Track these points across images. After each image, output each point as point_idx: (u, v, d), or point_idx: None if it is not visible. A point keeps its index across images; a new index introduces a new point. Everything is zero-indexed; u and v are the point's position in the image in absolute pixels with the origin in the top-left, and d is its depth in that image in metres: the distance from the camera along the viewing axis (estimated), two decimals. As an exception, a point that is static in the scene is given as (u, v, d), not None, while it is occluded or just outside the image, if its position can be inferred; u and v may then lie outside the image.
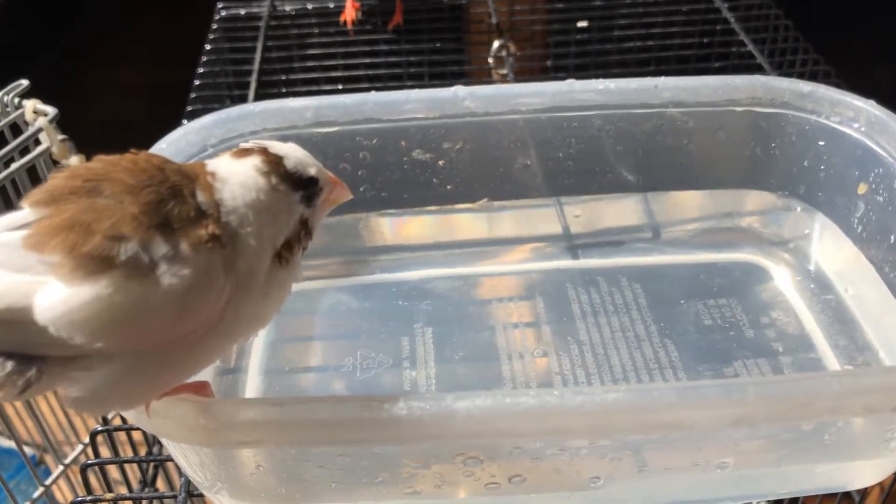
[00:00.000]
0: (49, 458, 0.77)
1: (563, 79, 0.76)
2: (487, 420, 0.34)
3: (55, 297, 0.31)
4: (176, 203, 0.33)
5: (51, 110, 0.59)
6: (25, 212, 0.33)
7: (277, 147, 0.37)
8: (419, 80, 0.78)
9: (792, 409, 0.35)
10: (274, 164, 0.36)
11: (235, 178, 0.35)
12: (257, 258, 0.35)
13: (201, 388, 0.38)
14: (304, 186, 0.37)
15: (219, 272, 0.33)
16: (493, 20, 0.78)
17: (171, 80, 0.77)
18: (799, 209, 0.55)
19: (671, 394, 0.35)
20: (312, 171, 0.37)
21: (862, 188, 0.51)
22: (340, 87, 0.75)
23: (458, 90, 0.54)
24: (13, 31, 1.44)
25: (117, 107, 1.46)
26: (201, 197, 0.34)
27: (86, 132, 0.64)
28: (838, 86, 0.71)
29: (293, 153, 0.37)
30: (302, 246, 0.38)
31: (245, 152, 0.36)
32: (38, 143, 0.59)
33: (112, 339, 0.32)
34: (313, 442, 0.35)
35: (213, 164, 0.36)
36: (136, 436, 0.55)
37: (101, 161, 0.35)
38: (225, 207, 0.34)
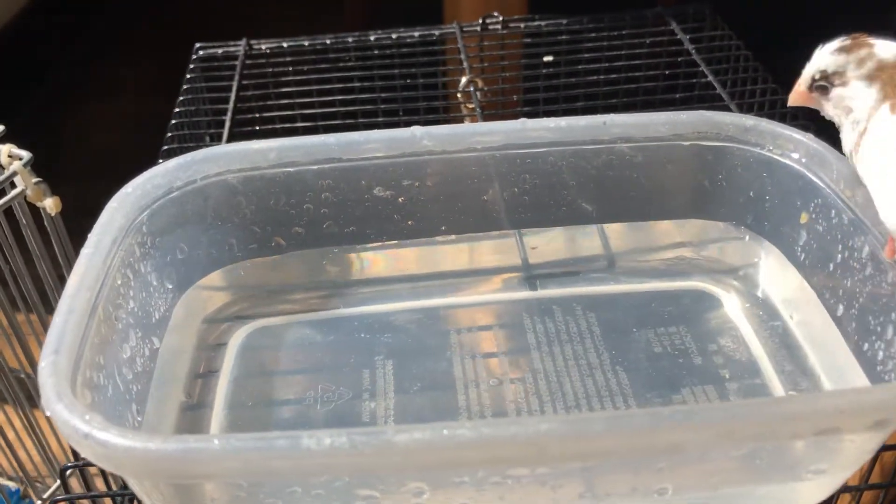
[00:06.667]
0: (32, 493, 0.78)
1: (532, 113, 0.79)
2: (426, 451, 0.36)
3: None
4: None
5: (25, 154, 0.61)
6: None
7: None
8: (393, 116, 0.80)
9: (717, 437, 0.37)
10: None
11: None
12: None
13: None
14: None
15: None
16: (462, 55, 0.80)
17: (160, 112, 0.79)
18: (747, 238, 0.57)
19: (600, 423, 0.36)
20: None
21: (804, 218, 0.52)
22: (317, 123, 0.77)
23: (416, 130, 0.56)
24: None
25: (108, 139, 1.49)
26: None
27: (77, 165, 0.66)
28: (794, 115, 0.73)
29: None
30: None
31: None
32: (13, 185, 0.61)
33: None
34: (251, 475, 0.36)
35: None
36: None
37: None
38: None
